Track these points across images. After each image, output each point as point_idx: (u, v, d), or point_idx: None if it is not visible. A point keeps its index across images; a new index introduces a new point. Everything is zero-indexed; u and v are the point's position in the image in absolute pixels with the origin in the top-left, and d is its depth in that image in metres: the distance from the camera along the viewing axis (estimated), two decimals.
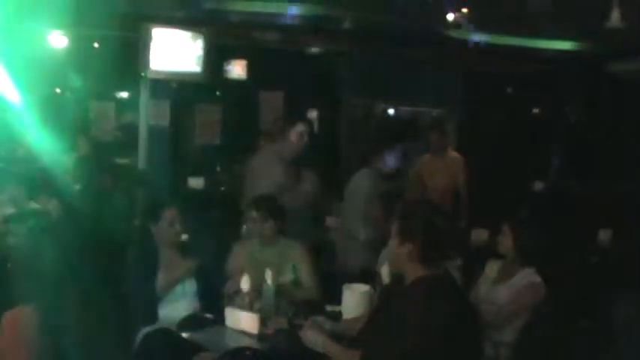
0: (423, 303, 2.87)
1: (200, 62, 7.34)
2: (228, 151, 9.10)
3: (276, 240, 4.52)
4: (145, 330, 3.75)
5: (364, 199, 5.48)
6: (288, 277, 4.37)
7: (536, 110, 10.78)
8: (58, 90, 9.02)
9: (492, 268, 4.31)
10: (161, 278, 4.19)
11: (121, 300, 3.12)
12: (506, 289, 4.11)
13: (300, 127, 5.29)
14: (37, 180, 5.41)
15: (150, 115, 7.54)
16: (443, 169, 7.33)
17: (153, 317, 4.07)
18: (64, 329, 2.82)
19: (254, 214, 4.50)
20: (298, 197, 5.14)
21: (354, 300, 3.92)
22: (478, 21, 8.13)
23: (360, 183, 5.66)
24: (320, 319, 3.66)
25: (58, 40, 8.19)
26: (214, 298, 4.27)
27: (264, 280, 4.06)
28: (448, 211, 7.04)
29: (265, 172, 5.23)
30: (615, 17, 5.87)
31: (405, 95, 9.81)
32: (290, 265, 4.42)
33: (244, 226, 4.84)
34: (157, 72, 7.05)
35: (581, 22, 7.81)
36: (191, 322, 3.99)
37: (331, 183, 6.30)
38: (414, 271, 2.99)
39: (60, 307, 2.86)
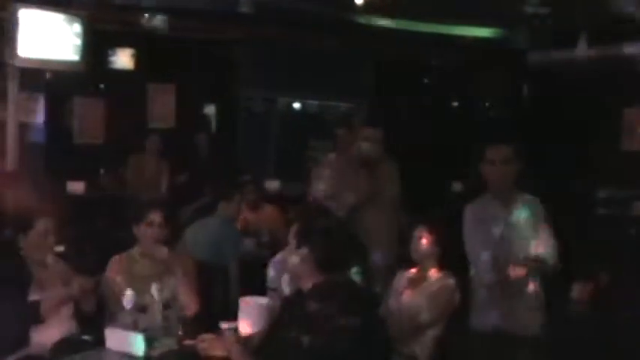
0: (319, 312, 2.92)
1: (78, 50, 7.21)
2: (112, 151, 8.97)
3: (161, 250, 4.48)
4: (12, 358, 3.65)
5: None
6: (174, 293, 4.34)
7: (454, 104, 11.01)
8: None
9: (401, 277, 4.40)
10: (48, 297, 4.09)
11: None
12: (419, 295, 4.20)
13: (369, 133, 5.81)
14: None
15: (20, 110, 7.35)
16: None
17: (22, 341, 3.97)
18: None
19: (156, 217, 4.43)
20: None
21: (251, 314, 3.91)
22: (390, 6, 8.24)
23: None
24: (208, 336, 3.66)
25: None
26: (93, 318, 4.20)
27: (149, 295, 4.02)
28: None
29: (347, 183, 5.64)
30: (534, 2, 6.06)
31: (311, 88, 9.87)
32: (173, 280, 4.39)
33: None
34: (26, 60, 6.89)
35: (501, 8, 8.01)
36: (66, 345, 3.90)
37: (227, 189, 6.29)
38: (310, 278, 3.06)
39: None
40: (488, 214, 4.29)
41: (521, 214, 4.25)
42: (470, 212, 4.38)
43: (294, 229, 3.16)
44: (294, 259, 3.12)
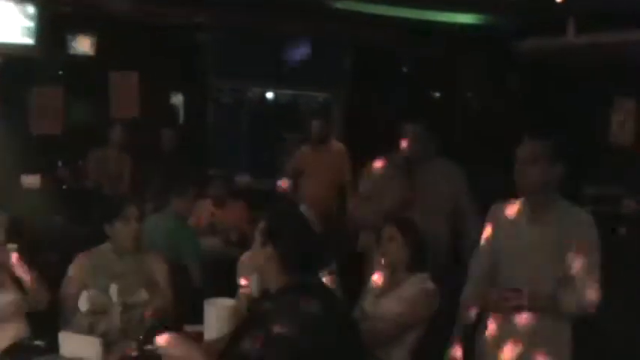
0: (284, 316, 2.85)
1: (31, 33, 7.07)
2: (71, 142, 8.83)
3: (136, 247, 4.36)
4: None
5: None
6: (140, 294, 4.23)
7: (436, 94, 10.97)
8: None
9: (377, 278, 4.33)
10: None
11: None
12: (395, 299, 4.12)
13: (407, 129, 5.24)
14: None
15: None
16: (326, 162, 7.38)
17: None
18: None
19: (133, 210, 4.32)
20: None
21: (217, 317, 3.82)
22: None
23: None
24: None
25: None
26: (46, 320, 4.10)
27: (109, 296, 3.93)
28: (332, 210, 7.14)
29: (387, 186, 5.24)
30: None
31: (285, 77, 9.78)
32: (144, 280, 4.29)
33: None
34: None
35: None
36: (17, 350, 3.84)
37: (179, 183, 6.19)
38: (276, 279, 3.01)
39: None
40: (507, 220, 3.81)
41: (551, 229, 3.61)
42: (490, 214, 3.92)
43: (260, 225, 3.11)
44: (260, 258, 3.07)
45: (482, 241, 3.87)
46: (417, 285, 4.13)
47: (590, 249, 3.51)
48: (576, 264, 3.50)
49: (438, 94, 10.98)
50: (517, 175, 3.63)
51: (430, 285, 4.14)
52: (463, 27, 9.34)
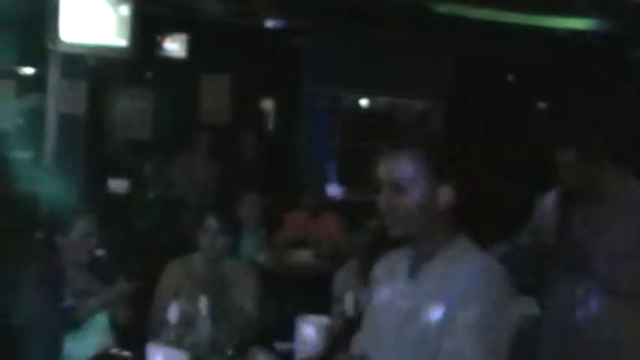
0: None
1: (125, 35, 7.24)
2: (159, 147, 9.02)
3: (221, 259, 4.45)
4: None
5: None
6: (230, 306, 4.30)
7: (542, 104, 10.83)
8: None
9: None
10: (80, 304, 4.12)
11: (12, 333, 3.02)
12: None
13: None
14: None
15: (61, 99, 7.43)
16: None
17: (54, 355, 3.98)
18: None
19: (213, 223, 4.41)
20: None
21: (310, 334, 3.85)
22: None
23: None
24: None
25: None
26: (133, 331, 4.18)
27: (199, 309, 3.99)
28: None
29: None
30: None
31: (381, 83, 9.77)
32: (234, 292, 4.36)
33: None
34: (69, 45, 6.95)
35: None
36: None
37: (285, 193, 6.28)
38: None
39: None
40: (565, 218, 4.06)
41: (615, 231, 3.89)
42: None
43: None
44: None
45: None
46: None
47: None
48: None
49: (544, 104, 10.85)
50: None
51: None
52: (575, 33, 9.20)
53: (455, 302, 2.38)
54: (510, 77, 10.66)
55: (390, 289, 2.61)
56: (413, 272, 2.54)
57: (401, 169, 2.45)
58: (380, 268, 2.76)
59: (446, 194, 2.44)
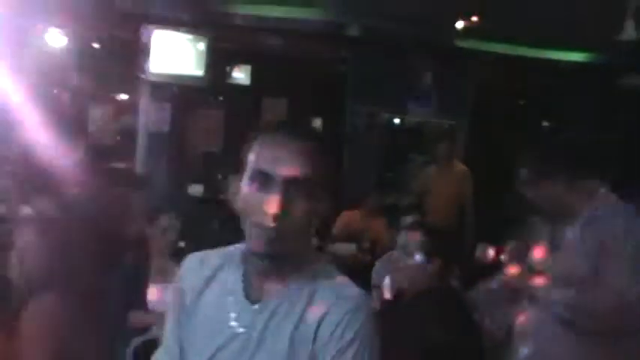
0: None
1: (202, 66, 7.38)
2: (229, 158, 9.11)
3: None
4: (138, 339, 3.69)
5: None
6: None
7: (546, 124, 10.76)
8: (55, 90, 9.05)
9: None
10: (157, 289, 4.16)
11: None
12: None
13: None
14: (36, 181, 5.41)
15: (150, 119, 7.57)
16: (449, 181, 7.37)
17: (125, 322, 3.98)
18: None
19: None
20: None
21: None
22: (488, 30, 8.15)
23: None
24: None
25: (57, 38, 8.20)
26: None
27: None
28: (453, 225, 7.12)
29: None
30: (630, 28, 5.87)
31: (409, 105, 9.78)
32: None
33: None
34: (156, 74, 7.10)
35: (593, 33, 7.81)
36: None
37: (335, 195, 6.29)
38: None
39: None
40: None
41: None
42: None
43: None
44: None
45: None
46: None
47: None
48: None
49: (547, 125, 10.79)
50: None
51: None
52: (575, 64, 9.18)
53: None
54: (520, 101, 10.62)
55: None
56: None
57: None
58: None
59: None
